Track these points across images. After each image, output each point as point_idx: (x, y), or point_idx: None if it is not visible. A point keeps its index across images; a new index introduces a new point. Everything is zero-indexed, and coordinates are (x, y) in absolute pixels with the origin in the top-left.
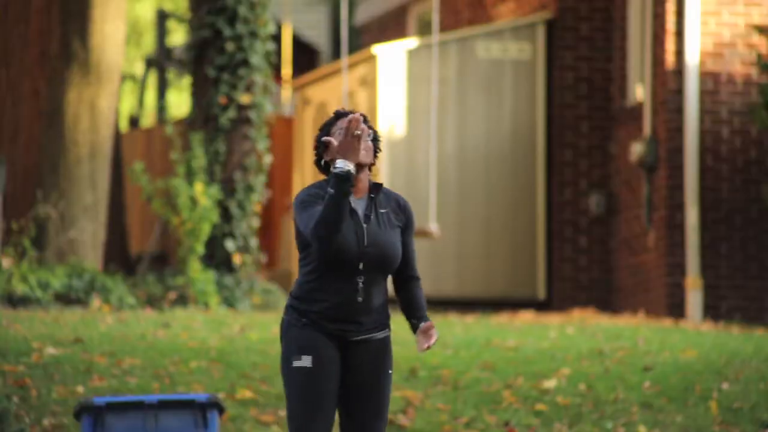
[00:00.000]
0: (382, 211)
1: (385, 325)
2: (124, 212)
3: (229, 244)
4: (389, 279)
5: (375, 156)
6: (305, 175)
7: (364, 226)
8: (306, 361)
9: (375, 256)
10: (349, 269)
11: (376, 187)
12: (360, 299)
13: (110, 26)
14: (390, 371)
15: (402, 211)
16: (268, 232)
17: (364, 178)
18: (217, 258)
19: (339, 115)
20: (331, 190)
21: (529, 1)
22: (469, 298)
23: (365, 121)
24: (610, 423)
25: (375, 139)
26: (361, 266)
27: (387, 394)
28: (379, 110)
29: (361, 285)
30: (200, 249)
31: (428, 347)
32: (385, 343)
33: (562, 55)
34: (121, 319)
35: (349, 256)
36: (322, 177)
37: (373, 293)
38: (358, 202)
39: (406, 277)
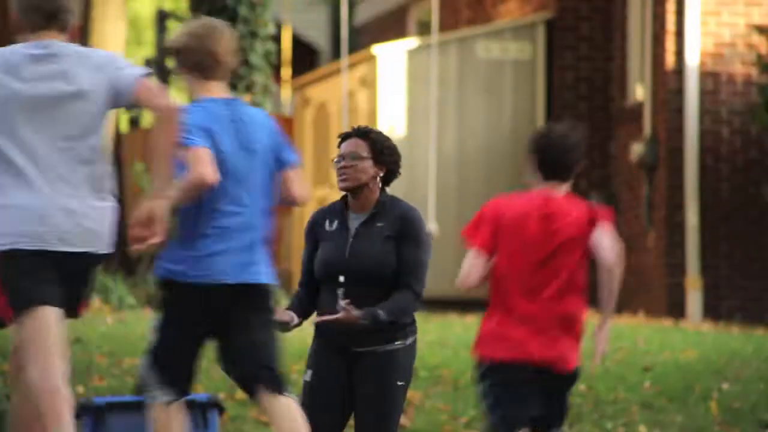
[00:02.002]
0: (379, 224)
1: (395, 337)
2: (124, 212)
3: None
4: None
5: (384, 169)
6: (305, 175)
7: (350, 240)
8: (307, 376)
9: (356, 267)
10: (331, 281)
11: (382, 203)
12: (339, 309)
13: (110, 26)
14: (400, 383)
15: (399, 221)
16: None
17: (368, 195)
18: None
19: None
20: None
21: (529, 1)
22: (469, 298)
23: (349, 136)
24: (610, 423)
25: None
26: (341, 279)
27: (392, 407)
28: (379, 110)
29: (340, 296)
30: None
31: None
32: (394, 355)
33: (562, 55)
34: (121, 319)
35: (329, 268)
36: (321, 175)
37: (362, 305)
38: (356, 217)
39: (399, 286)
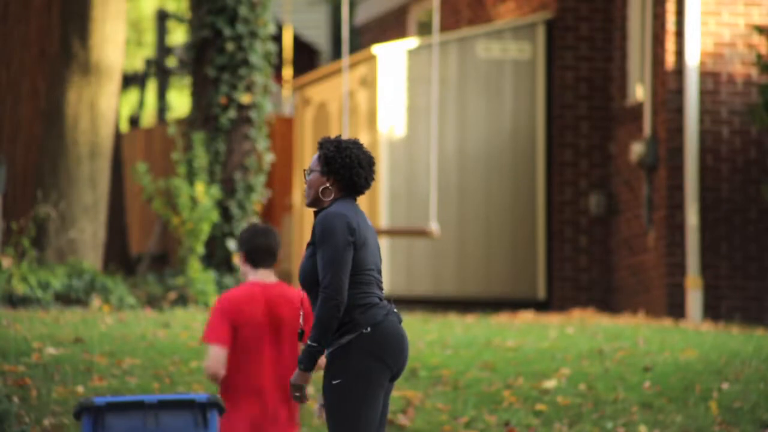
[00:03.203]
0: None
1: (335, 339)
2: (124, 212)
3: (230, 244)
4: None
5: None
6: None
7: None
8: None
9: None
10: None
11: (316, 216)
12: (301, 321)
13: (110, 26)
14: (334, 381)
15: (314, 228)
16: None
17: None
18: (217, 258)
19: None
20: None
21: (529, 1)
22: (469, 298)
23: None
24: (610, 423)
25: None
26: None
27: (330, 408)
28: (379, 110)
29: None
30: (200, 249)
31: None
32: (334, 355)
33: (562, 55)
34: (121, 319)
35: None
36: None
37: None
38: None
39: None
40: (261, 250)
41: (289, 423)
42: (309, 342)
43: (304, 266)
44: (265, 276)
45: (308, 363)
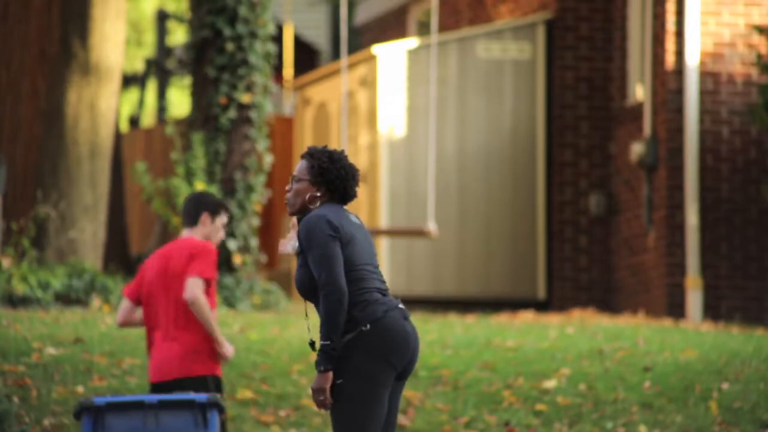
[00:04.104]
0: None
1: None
2: (124, 212)
3: (230, 244)
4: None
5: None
6: None
7: None
8: None
9: None
10: None
11: (299, 221)
12: (307, 324)
13: (110, 26)
14: (338, 381)
15: (299, 235)
16: (268, 232)
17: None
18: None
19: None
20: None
21: (529, 1)
22: (469, 298)
23: (301, 158)
24: (610, 423)
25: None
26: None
27: (335, 406)
28: (379, 110)
29: (306, 312)
30: None
31: None
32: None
33: (562, 55)
34: None
35: None
36: None
37: (317, 315)
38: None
39: None
40: (182, 214)
41: (182, 363)
42: (321, 342)
43: (298, 276)
44: (186, 234)
45: (326, 364)
